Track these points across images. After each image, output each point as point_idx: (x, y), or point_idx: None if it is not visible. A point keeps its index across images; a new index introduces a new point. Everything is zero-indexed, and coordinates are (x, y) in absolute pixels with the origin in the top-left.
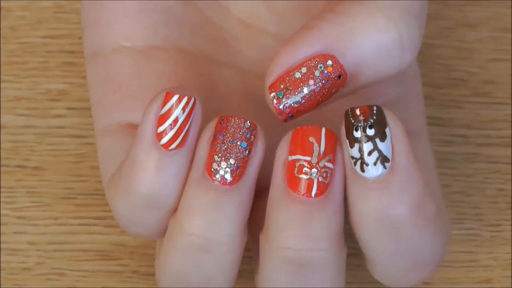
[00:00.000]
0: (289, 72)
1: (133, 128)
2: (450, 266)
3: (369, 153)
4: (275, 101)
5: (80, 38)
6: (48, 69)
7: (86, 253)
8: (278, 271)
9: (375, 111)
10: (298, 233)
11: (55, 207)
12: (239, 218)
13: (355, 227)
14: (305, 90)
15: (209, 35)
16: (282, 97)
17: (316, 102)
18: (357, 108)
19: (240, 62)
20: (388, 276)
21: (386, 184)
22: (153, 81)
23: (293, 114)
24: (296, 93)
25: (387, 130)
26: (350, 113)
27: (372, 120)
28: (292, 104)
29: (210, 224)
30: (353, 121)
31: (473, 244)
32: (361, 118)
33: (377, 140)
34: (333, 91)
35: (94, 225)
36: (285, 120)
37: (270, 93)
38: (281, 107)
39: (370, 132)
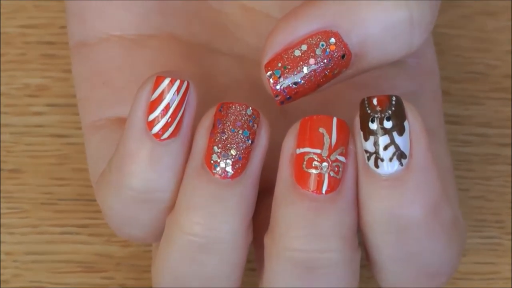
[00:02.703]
0: (287, 50)
1: (124, 123)
2: (468, 278)
3: (385, 148)
4: (271, 80)
5: (62, 27)
6: (26, 62)
7: (68, 265)
8: (285, 275)
9: (394, 102)
10: (307, 233)
11: (33, 214)
12: (242, 214)
13: (363, 227)
14: (305, 70)
15: (206, 21)
16: (280, 77)
17: (316, 83)
18: (374, 97)
19: (241, 49)
20: (395, 284)
21: (401, 183)
22: (145, 72)
23: (290, 96)
24: (295, 73)
25: (405, 123)
26: (366, 102)
27: (390, 112)
28: (290, 85)
29: (210, 221)
30: (369, 111)
31: (493, 254)
32: (378, 108)
33: (395, 133)
34: (335, 72)
35: (77, 233)
36: (282, 102)
37: (266, 72)
38: (278, 87)
39: (388, 124)
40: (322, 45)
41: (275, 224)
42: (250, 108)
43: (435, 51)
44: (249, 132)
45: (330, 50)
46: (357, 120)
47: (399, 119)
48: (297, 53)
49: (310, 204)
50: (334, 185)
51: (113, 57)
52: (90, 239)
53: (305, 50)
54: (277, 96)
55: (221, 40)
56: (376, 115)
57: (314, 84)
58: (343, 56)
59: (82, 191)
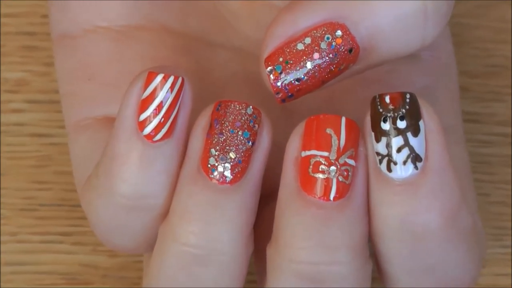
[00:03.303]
0: (290, 43)
1: (112, 122)
2: None
3: (399, 150)
4: (272, 76)
5: (43, 16)
6: (4, 54)
7: (50, 276)
8: None
9: (408, 99)
10: (314, 244)
11: (12, 221)
12: (242, 222)
13: (374, 236)
14: (309, 65)
15: (201, 11)
16: (281, 72)
17: (321, 80)
18: (386, 94)
19: (240, 42)
20: None
21: (416, 188)
22: (135, 67)
23: (293, 94)
24: (298, 68)
25: (421, 123)
26: (378, 100)
27: (404, 110)
28: (293, 81)
29: (208, 231)
30: (381, 110)
31: None
32: (391, 107)
33: (409, 134)
34: (341, 67)
35: (60, 242)
36: (283, 100)
37: (267, 67)
38: (279, 84)
39: (401, 124)
40: (328, 38)
41: (279, 233)
42: (251, 106)
43: (452, 43)
44: (249, 133)
45: (336, 43)
46: (367, 120)
47: (413, 118)
48: (300, 46)
49: (317, 212)
50: (343, 191)
51: (99, 51)
52: (74, 248)
53: (309, 44)
54: (278, 93)
55: (218, 32)
56: (388, 114)
57: (319, 80)
58: (350, 50)
59: (66, 196)
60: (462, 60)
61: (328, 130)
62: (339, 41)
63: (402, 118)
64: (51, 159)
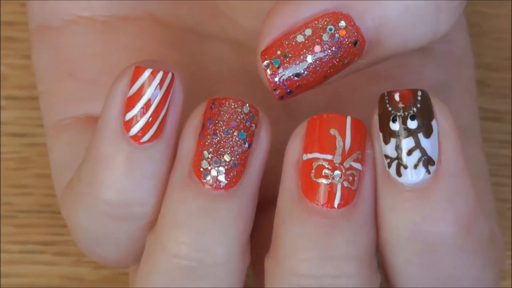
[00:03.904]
0: (288, 35)
1: (94, 121)
2: None
3: (409, 152)
4: (269, 71)
5: (23, 5)
6: None
7: None
8: None
9: (419, 97)
10: (317, 255)
11: None
12: (238, 232)
13: (383, 246)
14: (309, 59)
15: (194, 1)
16: (279, 67)
17: (323, 75)
18: (396, 91)
19: (236, 33)
20: None
21: (428, 194)
22: (120, 61)
23: (292, 90)
24: (297, 62)
25: (433, 123)
26: (386, 98)
27: (415, 109)
28: (292, 77)
29: (200, 241)
30: (390, 108)
31: None
32: (401, 105)
33: (421, 135)
34: (345, 61)
35: (41, 252)
36: (282, 97)
37: (263, 61)
38: (276, 79)
39: (412, 124)
40: (330, 29)
41: (278, 244)
42: (247, 104)
43: (468, 34)
44: (246, 133)
45: (340, 35)
46: (375, 120)
47: (425, 118)
48: (300, 38)
49: (320, 220)
50: (349, 197)
51: (81, 43)
52: (56, 259)
53: (310, 36)
54: (275, 90)
55: (212, 23)
56: (398, 113)
57: (320, 76)
58: (355, 43)
59: (47, 202)
60: (482, 52)
61: (332, 131)
62: (343, 32)
63: (413, 118)
64: (31, 161)
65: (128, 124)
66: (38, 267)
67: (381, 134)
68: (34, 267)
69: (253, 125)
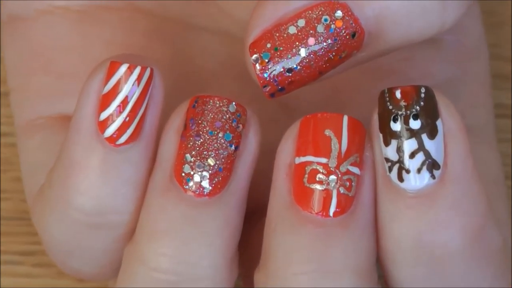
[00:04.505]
0: (280, 26)
1: (69, 121)
2: None
3: (412, 155)
4: (258, 66)
5: None
6: None
7: None
8: None
9: (423, 95)
10: (311, 269)
11: None
12: (225, 243)
13: (384, 257)
14: (303, 52)
15: None
16: (269, 61)
17: (318, 70)
18: (397, 88)
19: (226, 24)
20: None
21: (432, 200)
22: (98, 55)
23: (283, 87)
24: (290, 56)
25: (438, 122)
26: (387, 95)
27: (418, 107)
28: (283, 72)
29: (182, 253)
30: (391, 107)
31: None
32: (403, 103)
33: (424, 136)
34: (342, 55)
35: (20, 263)
36: (272, 95)
37: (252, 55)
38: (266, 75)
39: (415, 124)
40: (326, 19)
41: (269, 256)
42: (234, 103)
43: (482, 24)
44: (232, 135)
45: (336, 26)
46: (375, 119)
47: (430, 117)
48: (292, 30)
49: (314, 230)
50: (346, 205)
51: (56, 36)
52: (36, 270)
53: (303, 27)
54: (265, 86)
55: (201, 13)
56: (399, 112)
57: (315, 71)
58: (353, 35)
59: (27, 208)
60: (499, 43)
61: (327, 132)
62: (340, 23)
63: (415, 117)
64: (10, 163)
65: (103, 125)
66: (17, 279)
67: (381, 135)
68: (13, 280)
69: (240, 125)
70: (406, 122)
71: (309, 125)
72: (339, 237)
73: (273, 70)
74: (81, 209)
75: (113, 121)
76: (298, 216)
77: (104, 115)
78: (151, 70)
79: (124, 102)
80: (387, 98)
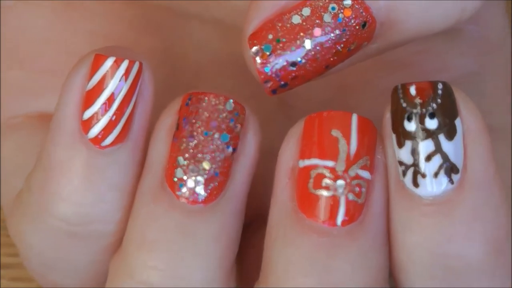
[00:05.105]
0: (282, 15)
1: (48, 120)
2: None
3: (428, 158)
4: (258, 59)
5: None
6: None
7: None
8: None
9: (440, 91)
10: (316, 282)
11: None
12: (221, 254)
13: (396, 269)
14: (308, 44)
15: None
16: (271, 54)
17: (324, 64)
18: (412, 84)
19: (222, 13)
20: None
21: (451, 208)
22: (81, 48)
23: (286, 82)
24: (293, 48)
25: (457, 122)
26: (400, 91)
27: (435, 105)
28: (287, 66)
29: (174, 266)
30: (404, 105)
31: None
32: (418, 100)
33: (442, 137)
34: (352, 47)
35: None
36: (274, 91)
37: (251, 47)
38: (267, 69)
39: (432, 124)
40: (333, 8)
41: (270, 268)
42: (231, 100)
43: (506, 15)
44: (229, 135)
45: (345, 16)
46: (387, 118)
47: (448, 116)
48: (296, 19)
49: (320, 240)
50: (355, 213)
51: (34, 26)
52: (14, 285)
53: (308, 16)
54: (267, 82)
55: (193, 1)
56: (414, 111)
57: (321, 64)
58: (363, 25)
59: (3, 216)
60: None
61: (335, 132)
62: (348, 12)
63: (432, 116)
64: None
65: (87, 124)
66: None
67: (394, 136)
68: None
69: (238, 125)
70: (421, 121)
71: (314, 124)
72: (347, 248)
73: (275, 64)
74: (63, 217)
75: (98, 121)
76: (302, 225)
77: (88, 113)
78: (140, 64)
79: (110, 100)
80: (401, 95)
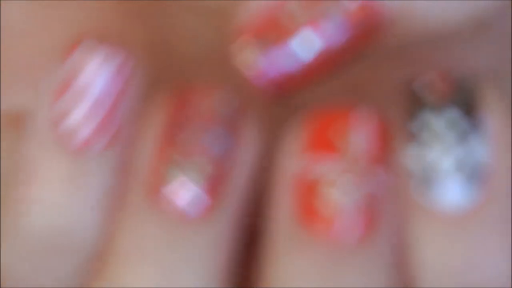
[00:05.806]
0: (281, 6)
1: (21, 121)
2: None
3: (445, 161)
4: (252, 58)
5: None
6: None
7: None
8: None
9: (459, 85)
10: None
11: None
12: (215, 270)
13: (409, 283)
14: (311, 40)
15: None
16: (264, 51)
17: (331, 61)
18: (426, 76)
19: (213, 2)
20: None
21: (470, 218)
22: (62, 41)
23: (283, 84)
24: (291, 50)
25: (479, 121)
26: (414, 86)
27: (453, 101)
28: (284, 66)
29: (164, 282)
30: (418, 100)
31: None
32: (434, 96)
33: (461, 137)
34: (360, 42)
35: None
36: (272, 94)
37: (242, 43)
38: (261, 69)
39: (449, 124)
40: (336, 7)
41: (269, 281)
42: (228, 96)
43: None
44: (226, 136)
45: (349, 13)
46: (399, 115)
47: (467, 113)
48: (298, 11)
49: (327, 254)
50: (363, 220)
51: (11, 19)
52: None
53: (308, 14)
54: (260, 84)
55: None
56: (430, 107)
57: (323, 64)
58: (373, 18)
59: None
60: None
61: (340, 131)
62: (353, 10)
63: (450, 115)
64: None
65: (68, 124)
66: None
67: (407, 135)
68: None
69: (236, 124)
70: (436, 121)
71: (317, 123)
72: (354, 262)
73: (270, 64)
74: (40, 230)
75: (80, 120)
76: (305, 234)
77: (68, 114)
78: (128, 56)
79: (94, 96)
80: (415, 90)
